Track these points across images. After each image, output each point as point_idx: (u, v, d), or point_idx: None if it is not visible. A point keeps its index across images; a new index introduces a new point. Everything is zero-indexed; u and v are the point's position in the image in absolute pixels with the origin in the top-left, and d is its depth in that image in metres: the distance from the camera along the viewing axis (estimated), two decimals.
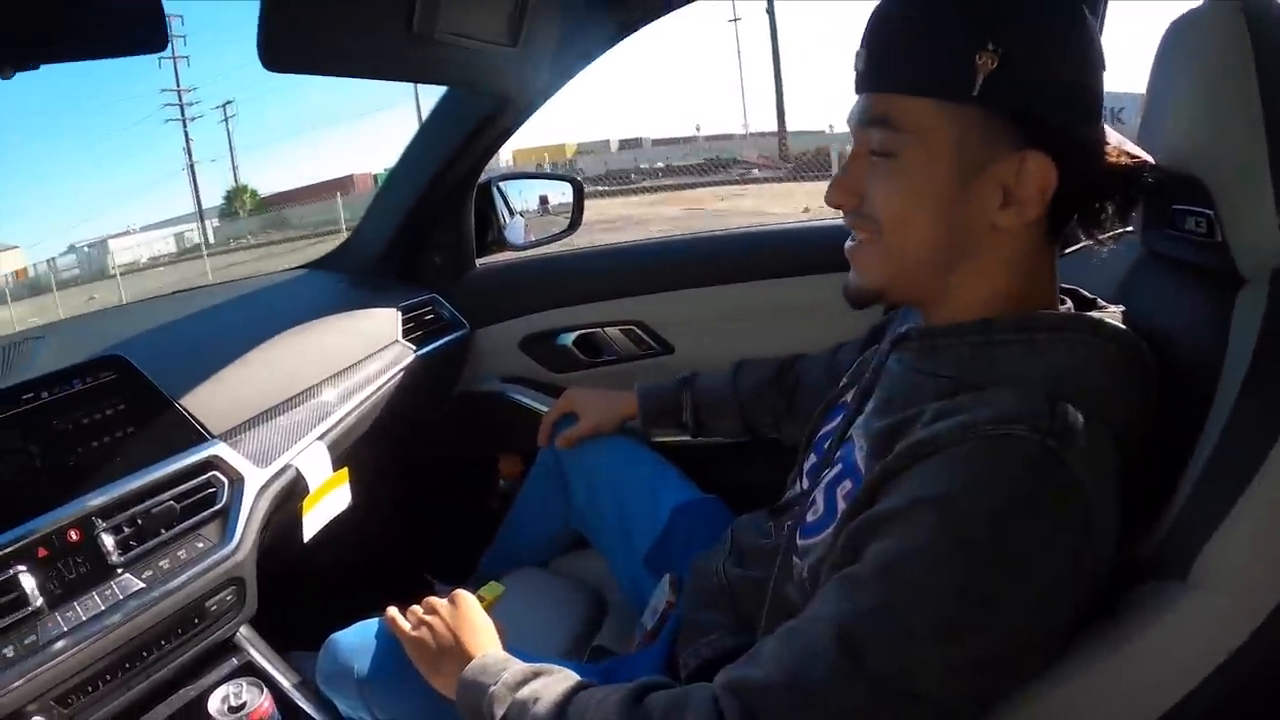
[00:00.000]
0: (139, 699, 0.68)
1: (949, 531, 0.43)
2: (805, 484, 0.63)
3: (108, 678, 0.65)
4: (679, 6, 1.02)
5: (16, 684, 0.57)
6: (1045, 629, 0.45)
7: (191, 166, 22.18)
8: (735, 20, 21.45)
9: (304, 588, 0.97)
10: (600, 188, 14.73)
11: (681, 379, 1.00)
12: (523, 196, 1.40)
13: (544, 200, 1.42)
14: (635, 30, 1.05)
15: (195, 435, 0.78)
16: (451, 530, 1.24)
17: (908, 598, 0.43)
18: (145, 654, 0.67)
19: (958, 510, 0.43)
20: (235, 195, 24.57)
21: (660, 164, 17.58)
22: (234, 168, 27.44)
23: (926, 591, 0.43)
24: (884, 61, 0.51)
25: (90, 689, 0.64)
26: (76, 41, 0.54)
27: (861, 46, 0.52)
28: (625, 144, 25.89)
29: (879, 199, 0.53)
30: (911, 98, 0.49)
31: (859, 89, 0.53)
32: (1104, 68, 0.50)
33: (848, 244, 0.57)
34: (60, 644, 0.60)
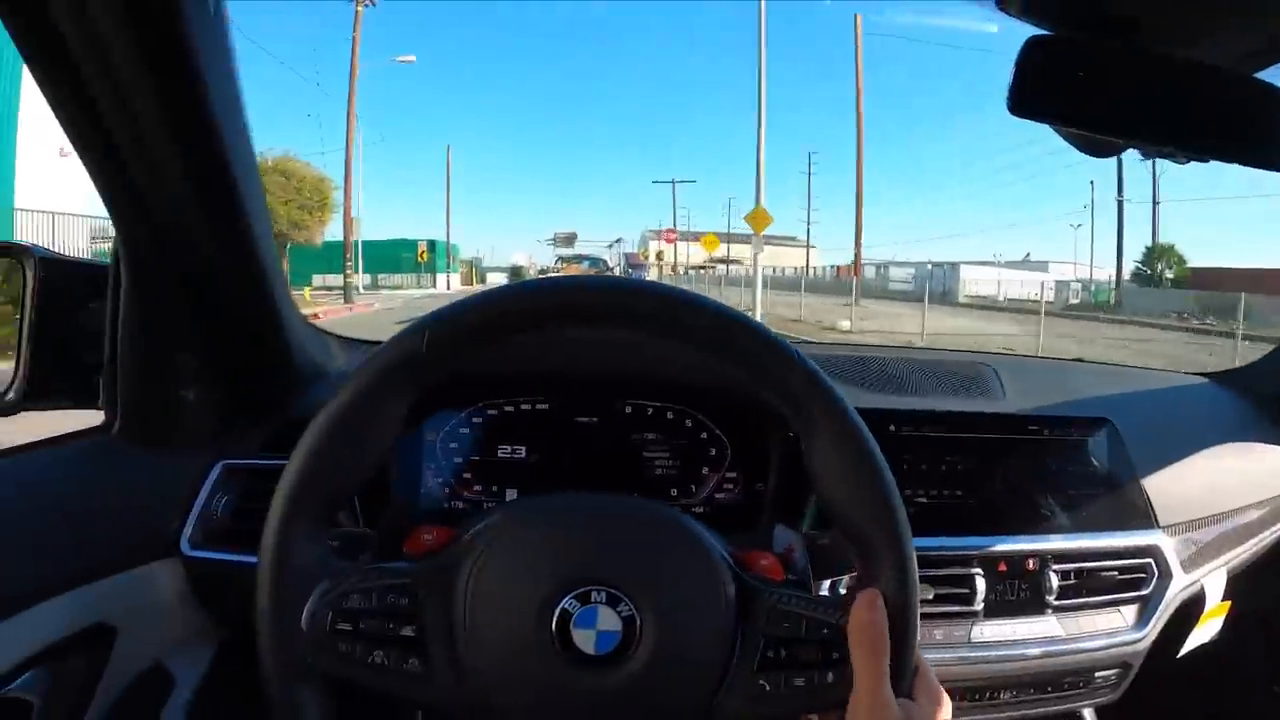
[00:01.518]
0: None
1: None
2: None
3: (998, 694, 0.76)
4: None
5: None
6: None
7: (1120, 206, 20.98)
8: None
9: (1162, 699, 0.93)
10: None
11: None
12: None
13: None
14: None
15: (1143, 520, 0.81)
16: None
17: None
18: (1030, 688, 0.77)
19: None
20: (1155, 256, 22.47)
21: None
22: (1154, 219, 23.89)
23: None
24: None
25: (984, 695, 0.76)
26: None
27: None
28: None
29: None
30: None
31: None
32: None
33: None
34: (985, 651, 0.75)
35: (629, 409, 0.80)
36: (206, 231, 0.64)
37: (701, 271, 32.79)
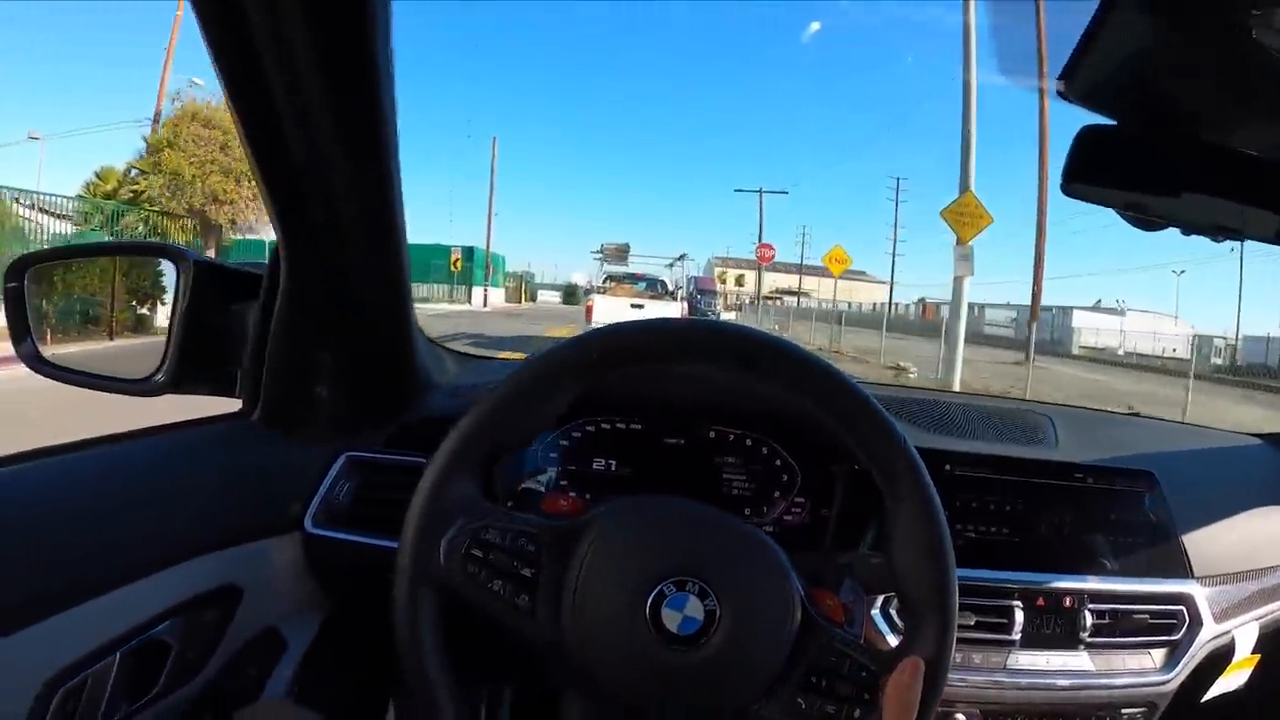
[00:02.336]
0: None
1: None
2: None
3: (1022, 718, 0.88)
4: None
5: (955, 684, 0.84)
6: None
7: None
8: None
9: None
10: None
11: None
12: None
13: None
14: None
15: (1179, 569, 0.93)
16: None
17: None
18: (1043, 718, 0.88)
19: None
20: None
21: None
22: None
23: None
24: None
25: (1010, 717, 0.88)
26: None
27: None
28: None
29: None
30: None
31: None
32: None
33: None
34: (1019, 679, 0.86)
35: (713, 434, 0.95)
36: (360, 243, 0.79)
37: (768, 302, 32.00)
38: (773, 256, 26.37)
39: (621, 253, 18.19)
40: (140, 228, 15.05)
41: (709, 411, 0.95)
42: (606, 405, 0.95)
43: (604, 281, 14.66)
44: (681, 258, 19.91)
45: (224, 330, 0.89)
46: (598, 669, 0.58)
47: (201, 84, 15.48)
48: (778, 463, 0.94)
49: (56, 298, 0.95)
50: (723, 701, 0.58)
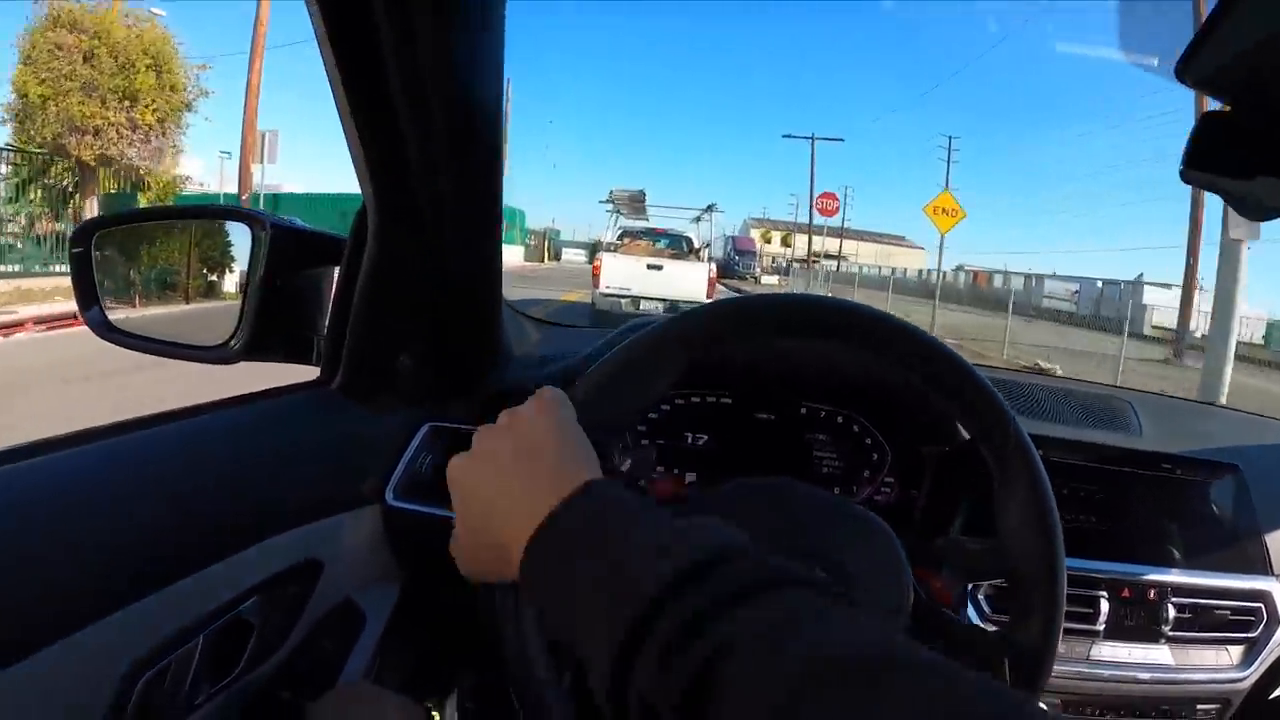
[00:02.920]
0: None
1: None
2: None
3: (1105, 713, 0.94)
4: None
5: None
6: None
7: None
8: None
9: None
10: None
11: None
12: None
13: None
14: None
15: (1260, 566, 0.97)
16: None
17: None
18: (1137, 712, 0.93)
19: None
20: None
21: None
22: None
23: None
24: None
25: (1095, 712, 0.93)
26: None
27: None
28: None
29: None
30: None
31: None
32: None
33: None
34: (1101, 670, 0.91)
35: (804, 410, 0.98)
36: (459, 218, 0.81)
37: (801, 266, 31.10)
38: (836, 208, 24.14)
39: (636, 202, 15.29)
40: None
41: (800, 386, 0.98)
42: (695, 378, 0.97)
43: (618, 237, 12.91)
44: (710, 209, 16.39)
45: (301, 296, 0.91)
46: None
47: None
48: (868, 441, 0.99)
49: (142, 266, 1.00)
50: None
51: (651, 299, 9.48)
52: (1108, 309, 19.06)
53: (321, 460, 0.85)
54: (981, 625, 0.84)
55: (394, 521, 0.88)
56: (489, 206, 0.81)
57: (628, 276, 9.99)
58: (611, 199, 14.83)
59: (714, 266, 10.87)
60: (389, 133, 0.72)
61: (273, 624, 0.77)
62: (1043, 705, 0.90)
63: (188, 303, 1.01)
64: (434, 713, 1.04)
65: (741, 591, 0.37)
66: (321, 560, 0.81)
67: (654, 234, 13.24)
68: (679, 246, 12.64)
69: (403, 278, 0.85)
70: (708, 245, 13.85)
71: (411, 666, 0.95)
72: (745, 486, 0.65)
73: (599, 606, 0.39)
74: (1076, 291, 23.68)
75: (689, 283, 9.78)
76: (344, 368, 0.89)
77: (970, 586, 0.89)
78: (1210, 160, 0.64)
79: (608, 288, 9.86)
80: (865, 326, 0.64)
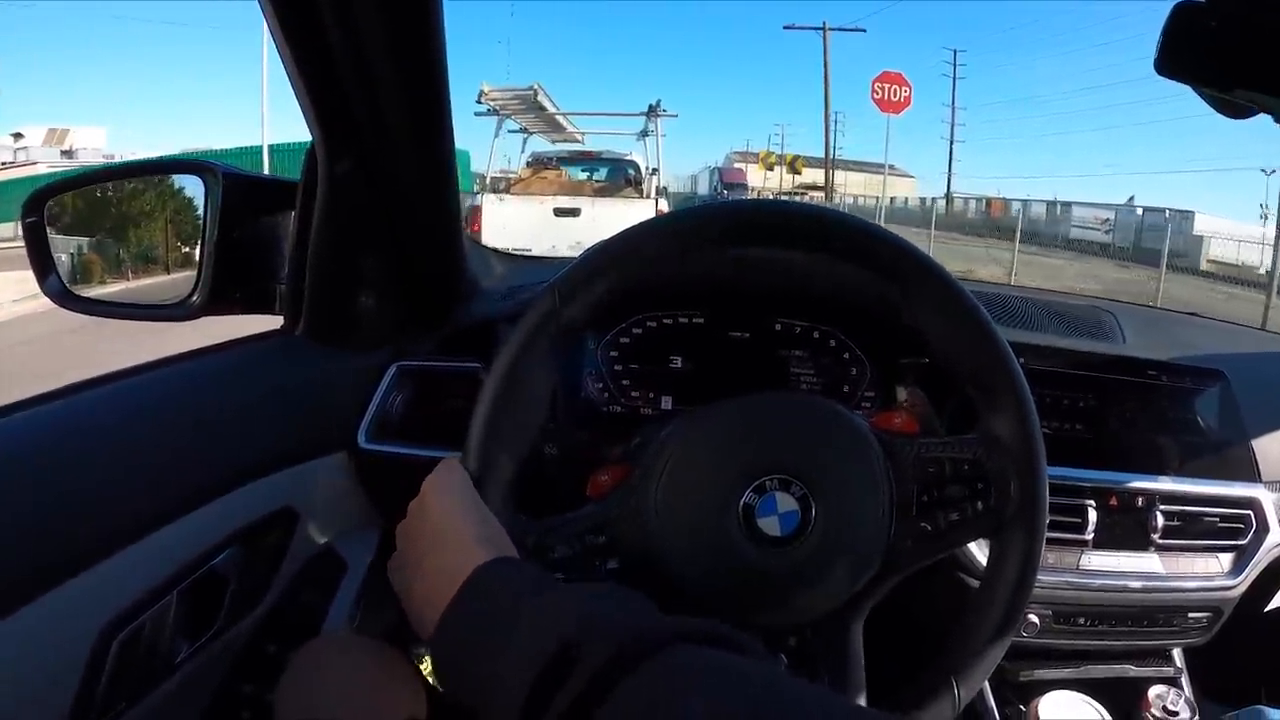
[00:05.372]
0: (1099, 650, 1.01)
1: None
2: None
3: (1098, 623, 0.97)
4: None
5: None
6: None
7: None
8: None
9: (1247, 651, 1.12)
10: None
11: None
12: None
13: None
14: None
15: (1247, 472, 1.01)
16: None
17: None
18: (1129, 621, 0.97)
19: None
20: None
21: None
22: None
23: None
24: None
25: (1087, 621, 0.97)
26: None
27: None
28: None
29: None
30: None
31: None
32: None
33: None
34: (1091, 580, 0.94)
35: (779, 326, 1.00)
36: (405, 145, 0.82)
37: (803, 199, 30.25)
38: (907, 100, 18.34)
39: (527, 103, 9.15)
40: None
41: (773, 302, 0.99)
42: (664, 299, 0.99)
43: (523, 169, 9.47)
44: (652, 111, 9.29)
45: (260, 245, 0.93)
46: (694, 597, 0.61)
47: None
48: (846, 356, 1.00)
49: (131, 245, 1.04)
50: (855, 565, 0.62)
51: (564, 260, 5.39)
52: (1151, 240, 17.27)
53: (288, 407, 0.88)
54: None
55: (367, 464, 0.91)
56: (436, 125, 0.81)
57: (526, 229, 7.12)
58: (486, 100, 8.82)
59: (665, 203, 8.10)
60: (321, 50, 0.72)
61: (251, 576, 0.80)
62: (1033, 617, 0.93)
63: (168, 272, 1.02)
64: (421, 661, 1.10)
65: (609, 681, 0.40)
66: (296, 509, 0.85)
67: (577, 160, 9.85)
68: (615, 177, 9.37)
69: (356, 216, 0.87)
70: (655, 172, 9.28)
71: (396, 614, 1.00)
72: (678, 427, 0.65)
73: (489, 706, 0.45)
74: (1107, 220, 22.24)
75: None
76: (306, 313, 0.91)
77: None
78: (1184, 53, 0.65)
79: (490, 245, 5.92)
80: (833, 233, 0.64)
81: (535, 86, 8.81)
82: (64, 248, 0.92)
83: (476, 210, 7.58)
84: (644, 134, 10.26)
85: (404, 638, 1.04)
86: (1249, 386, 1.05)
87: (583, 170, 9.56)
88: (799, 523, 0.61)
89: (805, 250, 0.66)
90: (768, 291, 0.97)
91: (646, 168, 9.40)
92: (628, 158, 9.73)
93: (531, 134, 10.30)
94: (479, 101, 8.82)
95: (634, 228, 0.66)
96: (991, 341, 0.64)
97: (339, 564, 0.94)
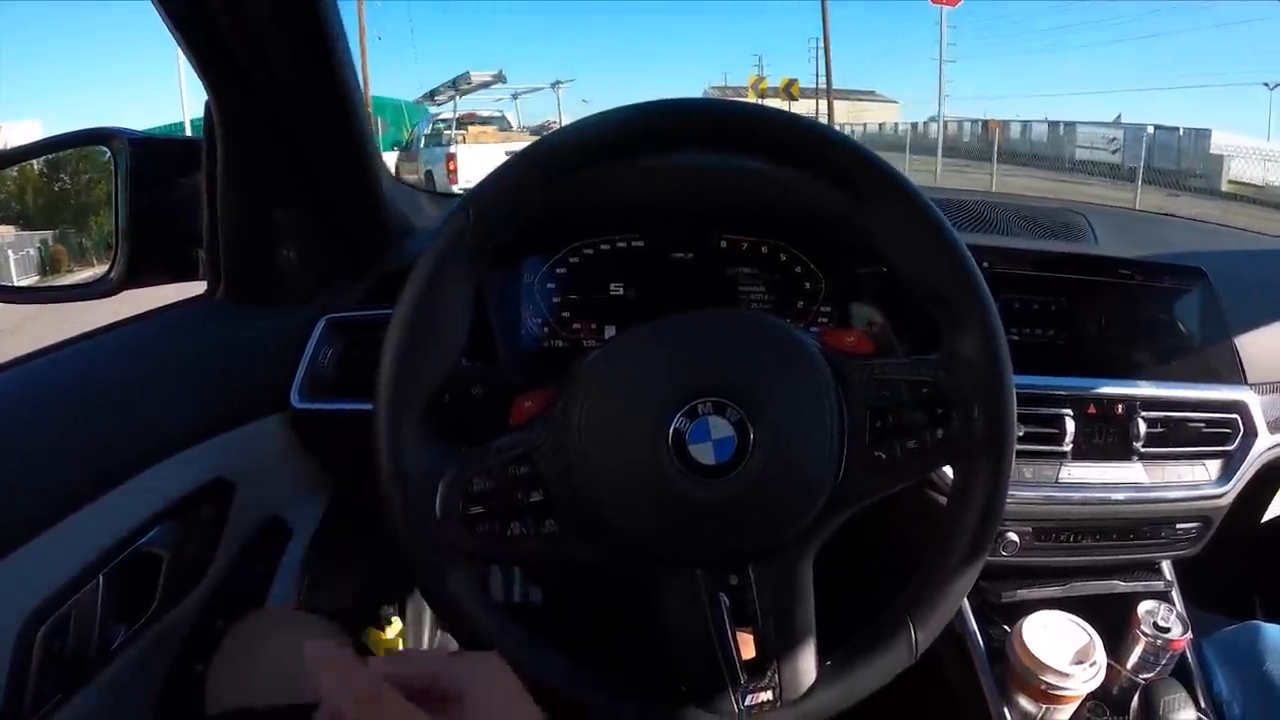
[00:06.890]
0: (1085, 566, 0.99)
1: None
2: None
3: (1082, 538, 0.95)
4: None
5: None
6: None
7: None
8: None
9: (1241, 563, 1.11)
10: None
11: None
12: None
13: None
14: None
15: (1233, 375, 0.98)
16: None
17: None
18: (1114, 534, 0.95)
19: None
20: None
21: None
22: None
23: None
24: None
25: (1070, 537, 0.95)
26: None
27: None
28: None
29: None
30: None
31: None
32: None
33: None
34: (1072, 493, 0.92)
35: (724, 244, 0.97)
36: (299, 86, 0.80)
37: None
38: None
39: (462, 88, 12.40)
40: None
41: (716, 218, 0.96)
42: (600, 224, 0.96)
43: (459, 125, 11.58)
44: (557, 84, 13.78)
45: (176, 210, 0.90)
46: (624, 532, 0.58)
47: None
48: (798, 270, 0.97)
49: (92, 233, 1.02)
50: (802, 503, 0.58)
51: None
52: (1164, 160, 16.71)
53: (212, 373, 0.86)
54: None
55: (305, 425, 0.89)
56: (330, 64, 0.78)
57: (490, 169, 8.64)
58: (436, 104, 13.11)
59: None
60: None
61: (188, 552, 0.78)
62: (1012, 535, 0.90)
63: None
64: (380, 628, 1.09)
65: None
66: (231, 478, 0.82)
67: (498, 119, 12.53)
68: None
69: (260, 165, 0.84)
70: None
71: (347, 582, 1.01)
72: (604, 351, 0.61)
73: None
74: (1114, 140, 20.75)
75: None
76: (224, 273, 0.89)
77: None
78: None
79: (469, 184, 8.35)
80: (776, 135, 0.59)
81: (469, 73, 12.01)
82: (30, 243, 0.92)
83: (451, 156, 10.02)
84: (516, 96, 13.66)
85: (356, 607, 1.06)
86: (1232, 286, 1.01)
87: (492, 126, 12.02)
88: (735, 450, 0.56)
89: (744, 154, 0.60)
90: (711, 207, 0.94)
91: (516, 123, 12.67)
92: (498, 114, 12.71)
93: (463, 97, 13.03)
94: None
95: (550, 134, 0.61)
96: (952, 251, 0.59)
97: (286, 533, 0.93)
